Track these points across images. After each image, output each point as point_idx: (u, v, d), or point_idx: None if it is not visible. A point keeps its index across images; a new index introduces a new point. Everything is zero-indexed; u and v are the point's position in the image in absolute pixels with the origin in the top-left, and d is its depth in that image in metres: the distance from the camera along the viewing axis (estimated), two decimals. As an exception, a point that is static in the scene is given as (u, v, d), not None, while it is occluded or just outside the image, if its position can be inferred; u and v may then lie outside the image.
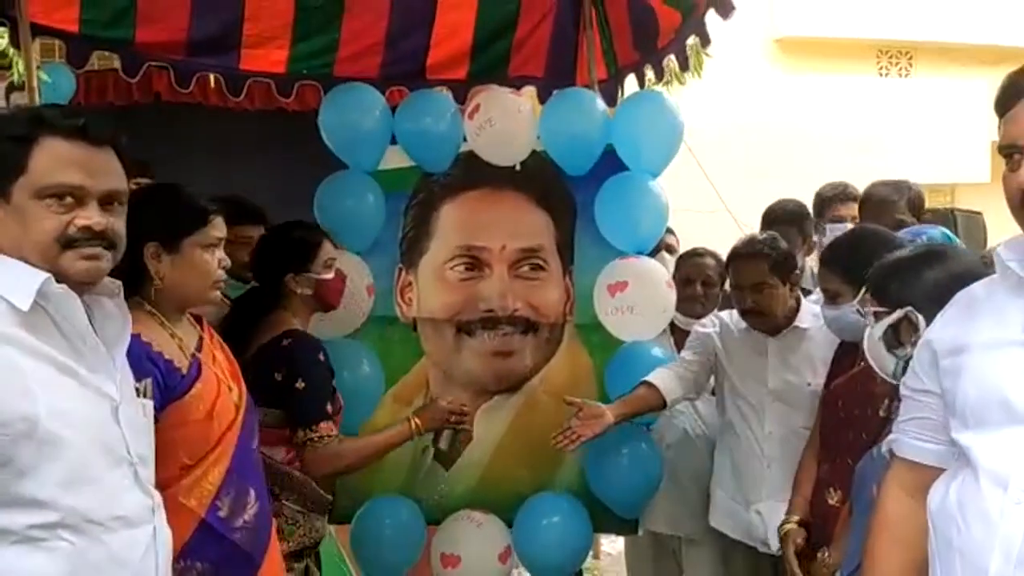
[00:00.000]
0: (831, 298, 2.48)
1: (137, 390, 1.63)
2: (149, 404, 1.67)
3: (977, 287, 1.55)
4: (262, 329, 2.60)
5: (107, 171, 1.49)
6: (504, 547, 3.21)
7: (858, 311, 2.18)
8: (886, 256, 2.07)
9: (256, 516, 2.06)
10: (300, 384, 2.49)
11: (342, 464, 2.59)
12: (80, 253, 1.44)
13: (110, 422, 1.46)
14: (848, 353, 2.52)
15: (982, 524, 1.33)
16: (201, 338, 2.11)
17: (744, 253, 2.88)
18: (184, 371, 1.98)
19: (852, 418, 2.41)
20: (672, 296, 3.14)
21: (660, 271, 3.21)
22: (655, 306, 3.12)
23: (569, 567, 3.23)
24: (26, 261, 1.42)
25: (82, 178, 1.44)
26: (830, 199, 3.74)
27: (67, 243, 1.43)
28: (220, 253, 2.11)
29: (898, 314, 1.90)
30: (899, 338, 1.91)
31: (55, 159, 1.43)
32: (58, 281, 1.43)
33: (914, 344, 1.83)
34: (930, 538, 1.45)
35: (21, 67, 3.64)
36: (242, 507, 2.02)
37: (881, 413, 2.28)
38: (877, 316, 1.97)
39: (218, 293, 2.14)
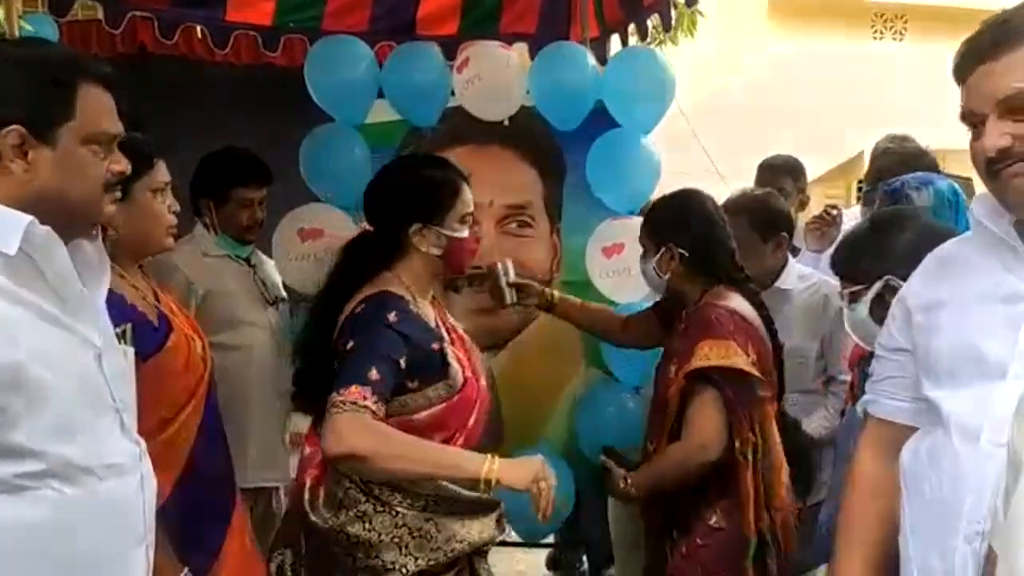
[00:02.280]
0: (644, 253, 2.57)
1: (117, 336, 1.62)
2: (130, 350, 1.66)
3: (951, 244, 1.55)
4: (358, 294, 2.08)
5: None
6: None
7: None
8: (846, 235, 2.14)
9: (225, 464, 2.12)
10: (349, 345, 1.96)
11: (365, 446, 1.85)
12: (111, 197, 1.49)
13: (94, 370, 1.44)
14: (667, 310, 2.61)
15: (954, 478, 1.34)
16: (155, 291, 2.09)
17: (729, 207, 2.92)
18: (156, 324, 1.98)
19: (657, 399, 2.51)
20: None
21: None
22: (650, 267, 3.12)
23: (551, 523, 3.24)
24: (67, 204, 1.42)
25: (118, 126, 1.48)
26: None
27: (106, 187, 1.46)
28: (169, 198, 2.07)
29: (878, 285, 1.92)
30: (886, 307, 1.88)
31: (98, 106, 1.44)
32: (80, 226, 1.45)
33: None
34: (901, 495, 1.46)
35: (2, 16, 3.57)
36: (214, 457, 2.06)
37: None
38: (854, 296, 1.99)
39: (171, 239, 2.10)
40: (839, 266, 2.07)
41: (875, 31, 11.23)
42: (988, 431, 1.31)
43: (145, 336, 1.92)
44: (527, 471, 1.94)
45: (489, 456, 1.94)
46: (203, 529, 2.05)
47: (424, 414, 2.00)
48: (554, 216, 3.25)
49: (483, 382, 2.13)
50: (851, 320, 2.01)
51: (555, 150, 3.23)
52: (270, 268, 3.11)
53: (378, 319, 1.98)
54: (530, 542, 3.81)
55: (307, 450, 2.08)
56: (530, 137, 3.22)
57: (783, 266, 2.91)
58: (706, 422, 2.31)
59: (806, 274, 3.00)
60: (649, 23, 3.84)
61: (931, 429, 1.43)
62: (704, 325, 2.35)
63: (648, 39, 3.95)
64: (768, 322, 2.48)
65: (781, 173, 3.76)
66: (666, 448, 2.39)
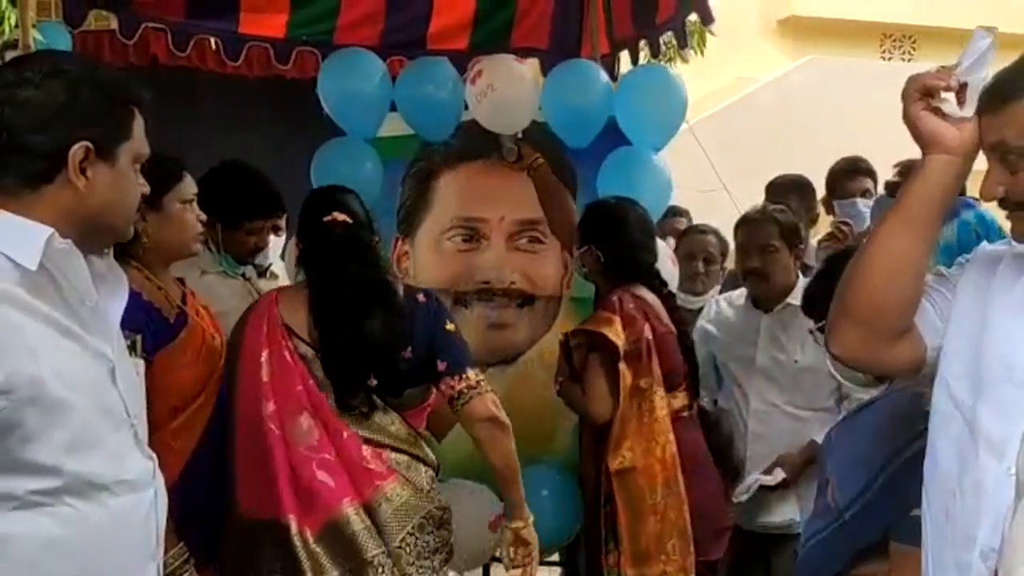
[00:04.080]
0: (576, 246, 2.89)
1: (129, 348, 1.62)
2: (141, 363, 1.67)
3: (1000, 246, 1.55)
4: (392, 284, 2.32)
5: None
6: (495, 515, 3.19)
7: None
8: (812, 276, 2.31)
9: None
10: (451, 326, 2.25)
11: (506, 421, 2.22)
12: (135, 216, 1.53)
13: (108, 384, 1.43)
14: None
15: (976, 493, 1.35)
16: (184, 294, 2.20)
17: (755, 216, 2.97)
18: (171, 319, 2.07)
19: None
20: (675, 273, 3.14)
21: (663, 248, 3.20)
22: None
23: (557, 540, 3.23)
24: (112, 221, 1.45)
25: (148, 149, 1.51)
26: (842, 173, 3.71)
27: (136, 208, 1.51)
28: (196, 209, 2.20)
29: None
30: None
31: (141, 129, 1.48)
32: (110, 241, 1.50)
33: None
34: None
35: (15, 24, 3.59)
36: (223, 451, 2.11)
37: None
38: (823, 330, 2.00)
39: (199, 245, 2.26)
40: (806, 305, 2.19)
41: (884, 51, 11.26)
42: (1012, 448, 1.31)
43: (158, 330, 2.01)
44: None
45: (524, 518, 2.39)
46: (207, 510, 2.10)
47: None
48: (565, 232, 3.24)
49: None
50: (828, 357, 2.00)
51: (567, 166, 3.23)
52: (265, 282, 3.10)
53: (444, 305, 2.33)
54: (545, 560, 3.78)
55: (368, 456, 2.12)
56: (542, 153, 3.21)
57: (795, 283, 2.91)
58: (594, 390, 2.66)
59: None
60: (661, 40, 3.84)
61: (956, 436, 1.42)
62: (605, 303, 2.71)
63: (660, 56, 3.96)
64: (681, 327, 2.81)
65: (788, 191, 3.76)
66: (582, 393, 2.71)
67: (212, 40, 4.13)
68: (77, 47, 4.08)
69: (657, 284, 2.82)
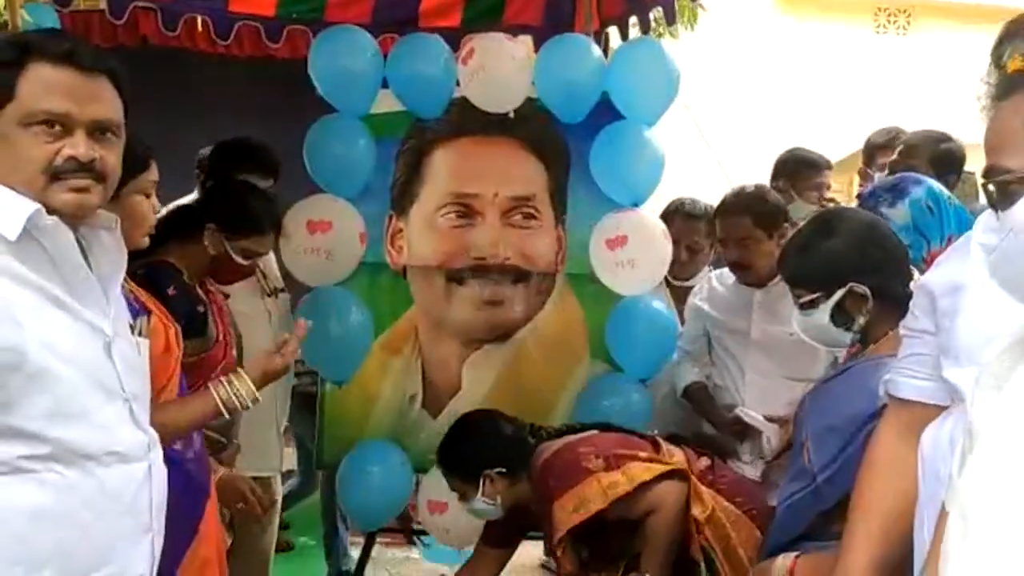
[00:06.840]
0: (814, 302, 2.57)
1: (131, 327, 1.61)
2: (144, 342, 1.65)
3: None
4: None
5: (97, 99, 1.42)
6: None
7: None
8: (789, 241, 2.18)
9: (200, 448, 2.14)
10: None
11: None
12: (67, 185, 1.39)
13: (102, 357, 1.43)
14: None
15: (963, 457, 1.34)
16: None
17: (729, 208, 2.92)
18: (137, 308, 1.98)
19: None
20: (669, 247, 3.13)
21: (657, 223, 3.19)
22: (654, 259, 3.13)
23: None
24: (15, 191, 1.37)
25: (68, 105, 1.39)
26: (880, 146, 3.67)
27: (54, 174, 1.38)
28: (153, 198, 2.05)
29: (840, 292, 1.92)
30: (849, 314, 1.94)
31: (42, 85, 1.38)
32: (49, 213, 1.39)
33: (867, 314, 1.91)
34: (919, 481, 1.46)
35: (3, 5, 3.57)
36: (190, 439, 2.08)
37: None
38: (808, 305, 1.98)
39: (147, 239, 2.08)
40: (789, 273, 2.07)
41: (878, 26, 11.21)
42: None
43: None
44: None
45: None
46: (184, 504, 2.02)
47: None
48: (559, 208, 3.24)
49: (232, 350, 2.60)
50: (805, 324, 2.02)
51: (560, 142, 3.22)
52: (269, 258, 3.11)
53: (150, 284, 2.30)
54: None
55: None
56: (535, 129, 3.20)
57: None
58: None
59: None
60: (651, 16, 3.83)
61: (952, 411, 1.43)
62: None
63: (649, 32, 3.94)
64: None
65: (801, 166, 3.76)
66: (651, 527, 2.44)
67: (201, 19, 4.10)
68: (66, 27, 4.06)
69: None
